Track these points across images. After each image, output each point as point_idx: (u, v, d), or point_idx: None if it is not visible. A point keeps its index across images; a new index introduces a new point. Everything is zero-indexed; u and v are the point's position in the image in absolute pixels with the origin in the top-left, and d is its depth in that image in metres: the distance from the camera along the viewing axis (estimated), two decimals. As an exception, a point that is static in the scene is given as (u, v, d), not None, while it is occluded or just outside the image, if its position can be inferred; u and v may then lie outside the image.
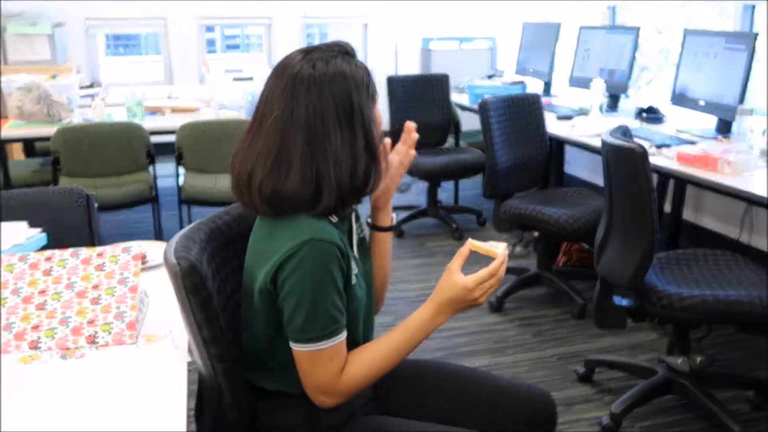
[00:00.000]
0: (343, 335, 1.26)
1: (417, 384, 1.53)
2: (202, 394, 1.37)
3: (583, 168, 5.05)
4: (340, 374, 1.26)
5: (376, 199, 1.49)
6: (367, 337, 1.42)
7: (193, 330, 1.21)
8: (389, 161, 1.47)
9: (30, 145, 4.48)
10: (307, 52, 1.26)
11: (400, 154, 1.48)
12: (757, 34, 3.08)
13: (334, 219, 1.31)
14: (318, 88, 1.22)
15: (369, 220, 1.53)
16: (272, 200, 1.23)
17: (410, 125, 1.45)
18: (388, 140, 1.45)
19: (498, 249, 1.33)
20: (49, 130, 3.61)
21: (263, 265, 1.24)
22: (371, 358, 1.30)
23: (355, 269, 1.32)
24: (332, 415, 1.32)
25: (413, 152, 1.47)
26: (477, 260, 1.31)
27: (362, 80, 1.26)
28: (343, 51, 1.28)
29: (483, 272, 1.29)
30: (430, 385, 1.53)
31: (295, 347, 1.24)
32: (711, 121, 3.32)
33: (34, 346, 1.36)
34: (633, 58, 3.91)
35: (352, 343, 1.32)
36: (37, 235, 1.76)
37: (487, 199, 3.34)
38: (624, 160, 2.13)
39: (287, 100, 1.22)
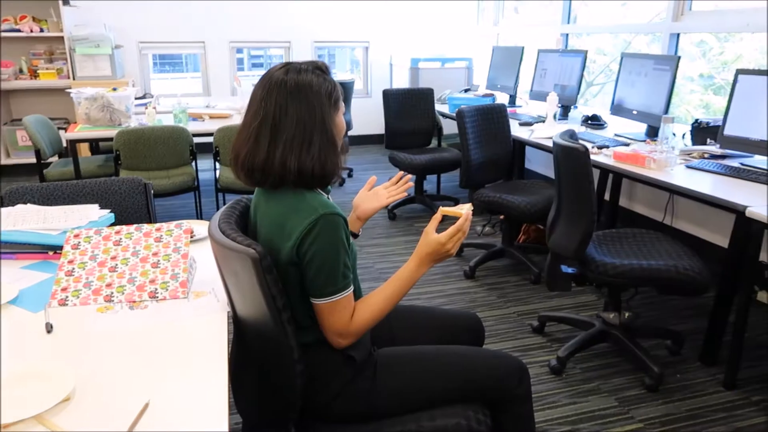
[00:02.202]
0: (352, 287, 1.30)
1: (395, 323, 1.62)
2: (251, 352, 1.38)
3: (541, 164, 5.10)
4: (351, 319, 1.30)
5: (362, 212, 1.66)
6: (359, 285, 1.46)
7: (268, 301, 1.18)
8: (377, 193, 1.68)
9: (95, 145, 4.52)
10: (287, 65, 1.30)
11: (389, 191, 1.67)
12: (679, 57, 3.12)
13: (323, 193, 1.34)
14: (286, 92, 1.25)
15: None
16: (251, 173, 1.28)
17: (408, 178, 1.69)
18: (374, 177, 1.68)
19: (462, 210, 1.37)
20: (110, 132, 3.64)
21: (286, 240, 1.24)
22: (374, 304, 1.33)
23: None
24: (360, 351, 1.37)
25: (403, 195, 1.69)
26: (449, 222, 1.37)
27: (326, 91, 1.28)
28: (317, 67, 1.31)
29: (452, 228, 1.34)
30: (400, 322, 1.62)
31: (318, 301, 1.26)
32: (642, 127, 3.36)
33: (108, 299, 1.41)
34: (581, 76, 3.94)
35: (355, 288, 1.36)
36: (107, 214, 1.80)
37: (463, 188, 3.37)
38: (570, 157, 2.16)
39: (264, 100, 1.26)
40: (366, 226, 4.11)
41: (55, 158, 4.19)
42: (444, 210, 1.41)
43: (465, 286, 3.21)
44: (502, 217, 3.50)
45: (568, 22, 5.07)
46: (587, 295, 3.06)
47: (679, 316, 2.83)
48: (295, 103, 1.25)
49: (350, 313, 1.30)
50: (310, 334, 1.32)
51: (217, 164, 3.85)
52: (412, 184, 1.71)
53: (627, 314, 2.39)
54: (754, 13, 3.26)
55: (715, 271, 2.32)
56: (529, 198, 3.09)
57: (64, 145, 4.05)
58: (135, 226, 1.61)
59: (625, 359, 2.45)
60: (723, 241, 3.29)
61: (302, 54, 6.39)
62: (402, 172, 1.73)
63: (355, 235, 1.66)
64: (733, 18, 3.47)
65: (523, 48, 4.60)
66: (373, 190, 1.70)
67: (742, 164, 2.58)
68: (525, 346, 2.58)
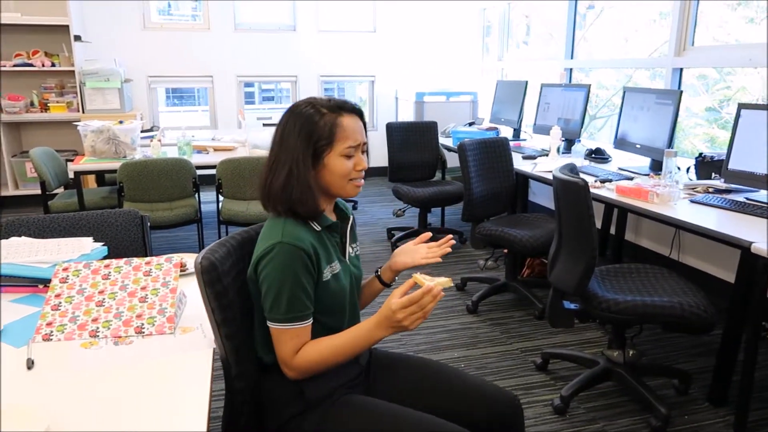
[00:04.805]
0: (305, 323, 1.27)
1: (402, 374, 1.48)
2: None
3: (546, 198, 5.07)
4: (295, 354, 1.27)
5: (394, 263, 1.55)
6: (352, 323, 1.38)
7: (208, 314, 1.27)
8: (416, 249, 1.53)
9: (101, 177, 4.55)
10: (314, 99, 1.36)
11: (429, 251, 1.53)
12: (681, 92, 3.11)
13: (317, 227, 1.34)
14: (293, 123, 1.32)
15: (378, 270, 1.58)
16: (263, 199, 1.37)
17: (449, 240, 1.51)
18: (428, 234, 1.54)
19: (431, 282, 1.20)
20: (115, 165, 3.66)
21: (254, 259, 1.30)
22: (322, 349, 1.28)
23: (337, 268, 1.35)
24: (314, 389, 1.32)
25: (438, 259, 1.52)
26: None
27: (307, 133, 1.31)
28: (337, 105, 1.35)
29: (405, 298, 1.19)
30: (413, 376, 1.47)
31: (268, 323, 1.29)
32: (646, 161, 3.34)
33: (94, 334, 1.39)
34: (584, 110, 3.94)
35: (336, 328, 1.33)
36: (100, 247, 1.80)
37: (465, 222, 3.35)
38: (570, 191, 2.14)
39: (279, 127, 1.36)
40: (367, 260, 4.07)
41: (60, 190, 4.22)
42: (416, 278, 1.26)
43: (467, 321, 3.15)
44: (505, 251, 3.45)
45: (572, 57, 5.10)
46: (593, 331, 2.99)
47: (686, 354, 2.75)
48: (297, 135, 1.31)
49: (296, 347, 1.28)
50: (271, 354, 1.33)
51: (220, 196, 3.85)
52: (450, 249, 1.54)
53: (632, 352, 2.33)
54: (755, 48, 3.26)
55: (722, 308, 2.26)
56: (531, 232, 3.05)
57: (71, 176, 4.09)
58: (125, 259, 1.59)
59: (630, 399, 2.38)
60: (730, 276, 3.22)
61: (309, 87, 6.47)
62: (449, 236, 1.56)
63: (387, 285, 1.58)
64: (735, 53, 3.48)
65: (526, 82, 4.62)
66: (417, 246, 1.57)
67: (747, 199, 2.54)
68: (528, 384, 2.51)
